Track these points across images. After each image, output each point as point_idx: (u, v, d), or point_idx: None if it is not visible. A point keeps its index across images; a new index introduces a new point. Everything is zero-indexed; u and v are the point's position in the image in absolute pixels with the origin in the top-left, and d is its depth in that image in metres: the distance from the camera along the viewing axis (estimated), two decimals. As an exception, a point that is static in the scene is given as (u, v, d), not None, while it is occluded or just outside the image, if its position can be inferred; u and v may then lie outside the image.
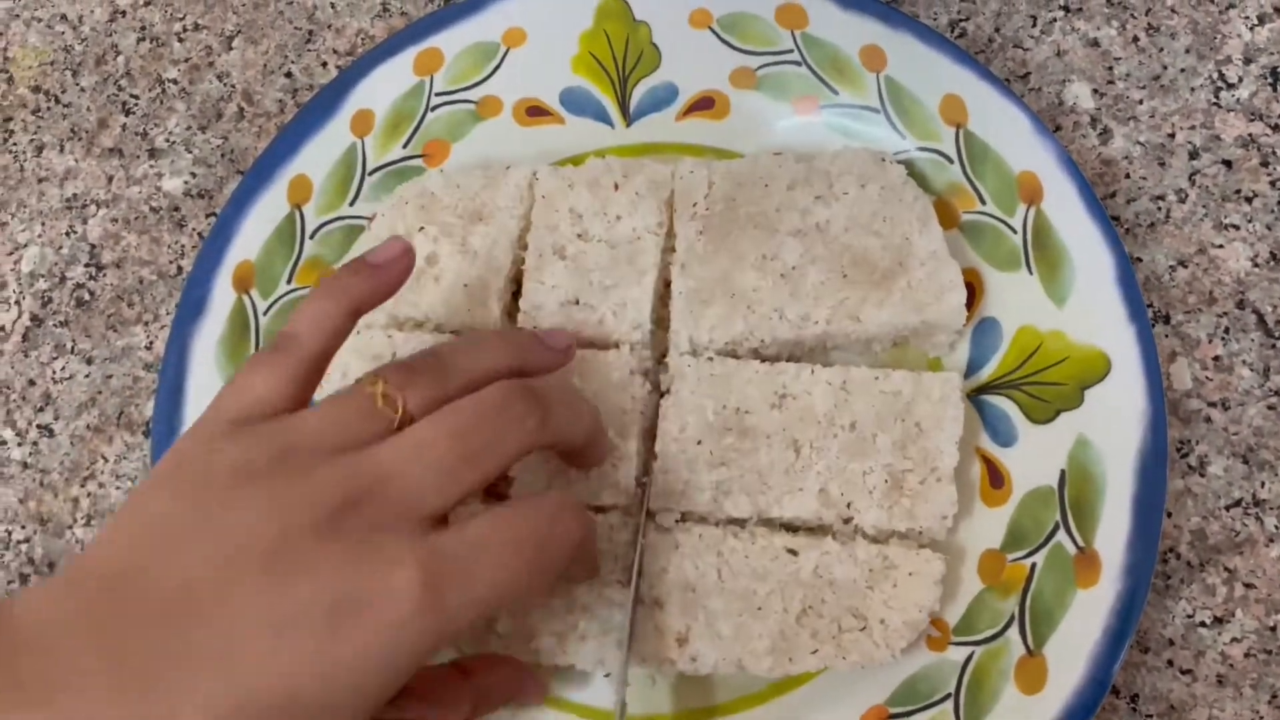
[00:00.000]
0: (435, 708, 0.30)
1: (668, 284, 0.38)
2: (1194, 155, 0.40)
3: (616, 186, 0.38)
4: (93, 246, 0.45)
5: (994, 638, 0.35)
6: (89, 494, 0.42)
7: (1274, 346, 0.38)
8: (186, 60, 0.48)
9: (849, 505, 0.35)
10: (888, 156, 0.39)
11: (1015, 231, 0.38)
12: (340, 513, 0.27)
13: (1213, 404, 0.38)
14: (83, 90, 0.48)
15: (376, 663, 0.26)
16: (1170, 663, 0.36)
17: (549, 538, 0.29)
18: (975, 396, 0.37)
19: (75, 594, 0.26)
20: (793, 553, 0.35)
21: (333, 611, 0.25)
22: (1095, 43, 0.42)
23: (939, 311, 0.36)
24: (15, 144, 0.47)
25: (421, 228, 0.39)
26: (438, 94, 0.42)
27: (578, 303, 0.37)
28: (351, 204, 0.42)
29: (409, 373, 0.30)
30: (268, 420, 0.29)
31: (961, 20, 0.43)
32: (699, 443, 0.36)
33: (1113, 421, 0.35)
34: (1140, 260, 0.39)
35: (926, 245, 0.37)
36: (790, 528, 0.36)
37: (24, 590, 0.27)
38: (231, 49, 0.47)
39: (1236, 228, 0.40)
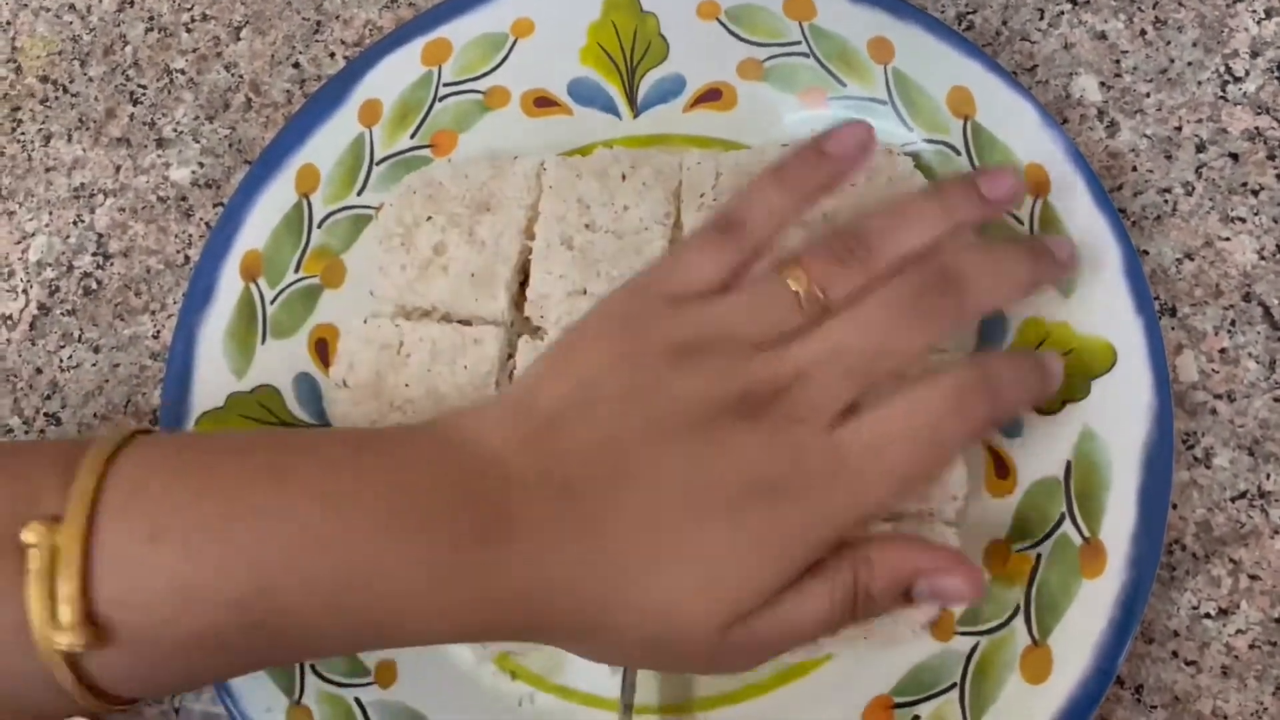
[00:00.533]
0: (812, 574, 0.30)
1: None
2: (1201, 148, 0.40)
3: (624, 177, 0.38)
4: (100, 236, 0.46)
5: (999, 628, 0.35)
6: (96, 482, 0.42)
7: (1280, 339, 0.38)
8: (194, 50, 0.48)
9: None
10: (895, 149, 0.39)
11: (1022, 223, 0.38)
12: (762, 403, 0.29)
13: (1219, 396, 0.38)
14: (90, 80, 0.48)
15: (781, 543, 0.29)
16: (1175, 654, 0.36)
17: (950, 423, 0.30)
18: (981, 388, 0.37)
19: (523, 423, 0.30)
20: None
21: (748, 491, 0.28)
22: (1103, 35, 0.42)
23: None
24: (23, 133, 0.48)
25: (429, 217, 0.39)
26: (445, 84, 0.42)
27: (585, 293, 0.37)
28: (359, 193, 0.42)
29: (832, 264, 0.31)
30: (701, 300, 0.31)
31: (969, 13, 0.43)
32: None
33: (1119, 413, 0.35)
34: (1146, 253, 0.40)
35: None
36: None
37: (470, 410, 0.31)
38: (239, 39, 0.47)
39: (1243, 220, 0.40)
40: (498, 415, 0.31)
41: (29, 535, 0.27)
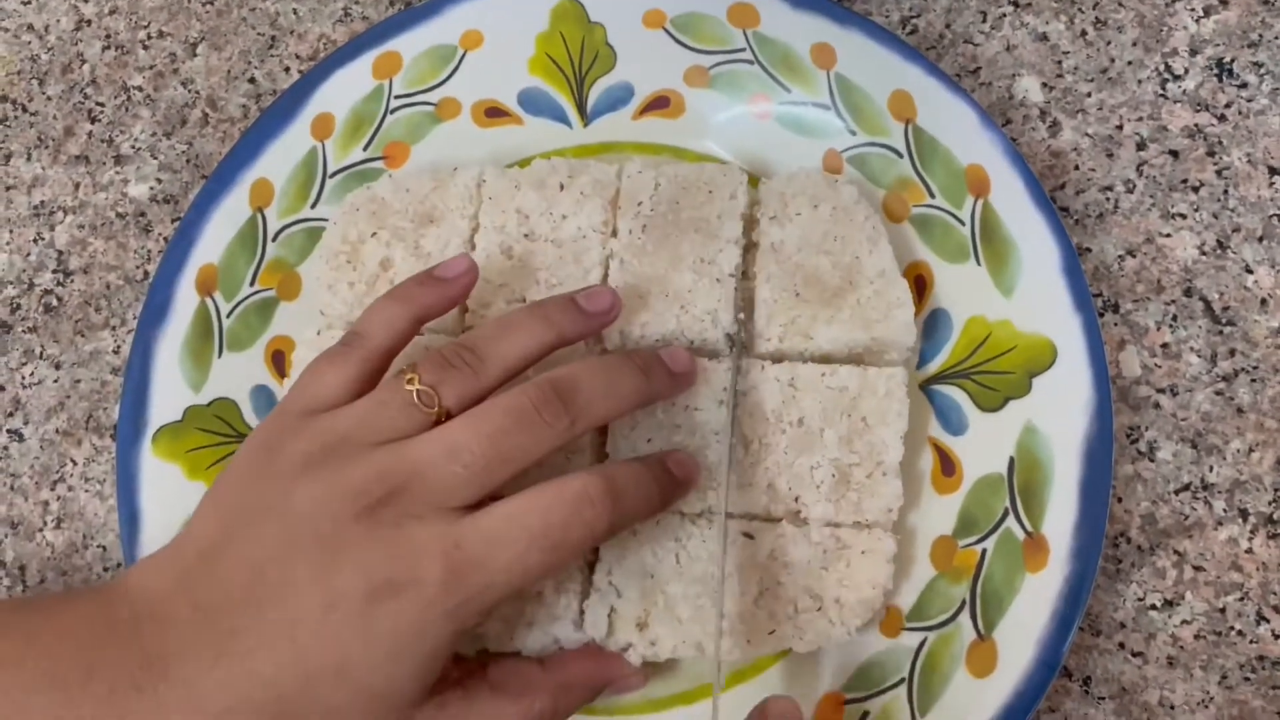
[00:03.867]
0: (510, 699, 0.32)
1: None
2: (1141, 146, 0.41)
3: (562, 187, 0.39)
4: (60, 253, 0.46)
5: (946, 623, 0.35)
6: (59, 497, 0.43)
7: (1220, 333, 0.39)
8: (151, 67, 0.48)
9: (796, 499, 0.36)
10: (839, 178, 0.39)
11: (963, 224, 0.38)
12: (380, 504, 0.30)
13: (1161, 390, 0.39)
14: (49, 99, 0.48)
15: (409, 640, 0.29)
16: (1121, 645, 0.37)
17: (570, 526, 0.30)
18: (926, 386, 0.38)
19: (177, 564, 0.31)
20: (749, 536, 0.35)
21: (371, 594, 0.29)
22: (1044, 37, 0.43)
23: (887, 329, 0.36)
24: (-17, 153, 0.48)
25: (374, 233, 0.39)
26: (397, 97, 0.43)
27: (525, 301, 0.38)
28: (313, 206, 0.42)
29: (444, 368, 0.32)
30: (330, 412, 0.32)
31: (913, 17, 0.44)
32: (649, 440, 0.36)
33: (1059, 409, 0.36)
34: (1089, 250, 0.40)
35: (876, 264, 0.37)
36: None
37: (141, 561, 0.32)
38: (195, 55, 0.48)
39: (1184, 217, 0.40)
40: (158, 563, 0.32)
41: None
